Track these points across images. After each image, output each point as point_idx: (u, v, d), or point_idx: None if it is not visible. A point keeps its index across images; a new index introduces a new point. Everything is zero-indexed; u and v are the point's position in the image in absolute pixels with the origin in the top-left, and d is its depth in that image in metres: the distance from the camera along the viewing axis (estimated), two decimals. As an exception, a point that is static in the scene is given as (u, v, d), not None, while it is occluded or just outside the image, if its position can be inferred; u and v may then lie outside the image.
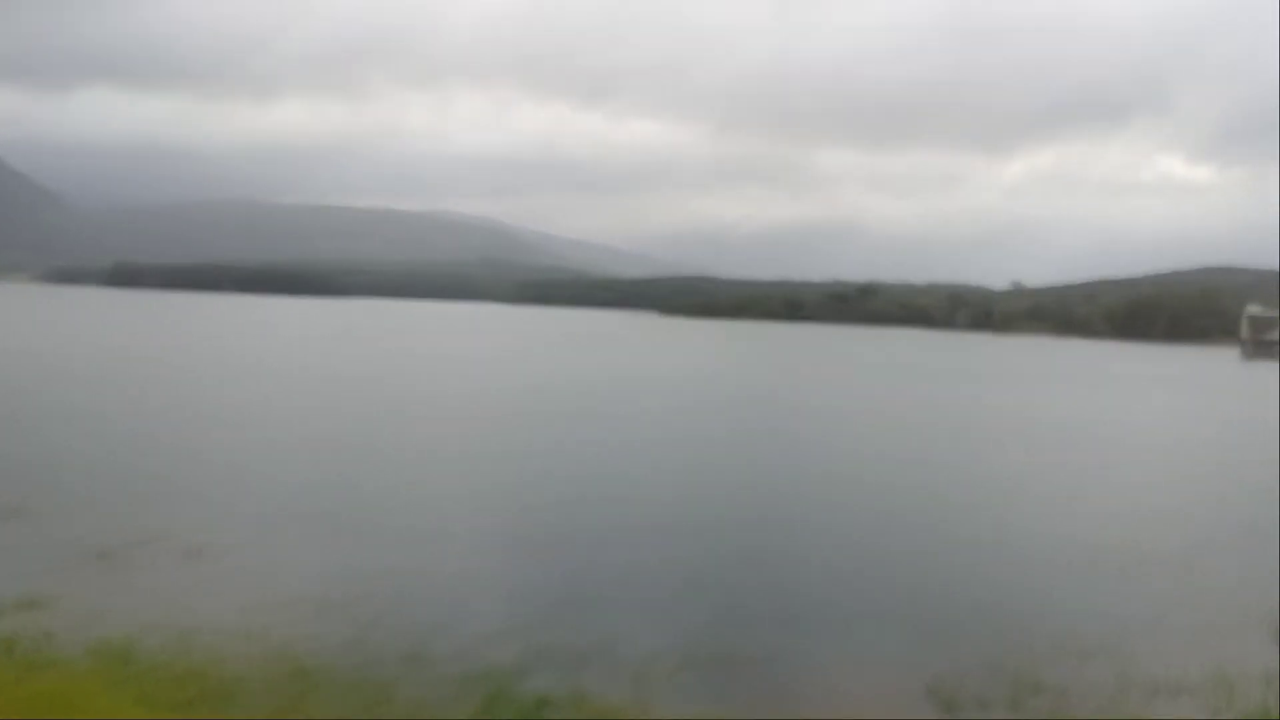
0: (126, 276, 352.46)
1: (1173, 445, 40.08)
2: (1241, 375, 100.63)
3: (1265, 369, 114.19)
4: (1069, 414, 49.99)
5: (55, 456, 25.48)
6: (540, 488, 24.47)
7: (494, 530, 20.00)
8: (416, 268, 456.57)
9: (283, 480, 24.21)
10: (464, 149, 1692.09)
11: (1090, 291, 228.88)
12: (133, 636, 12.28)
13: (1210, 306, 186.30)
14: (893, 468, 30.32)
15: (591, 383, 58.31)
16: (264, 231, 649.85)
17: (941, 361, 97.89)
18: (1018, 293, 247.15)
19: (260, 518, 19.77)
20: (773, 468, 29.77)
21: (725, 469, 29.05)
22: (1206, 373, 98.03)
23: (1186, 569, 18.58)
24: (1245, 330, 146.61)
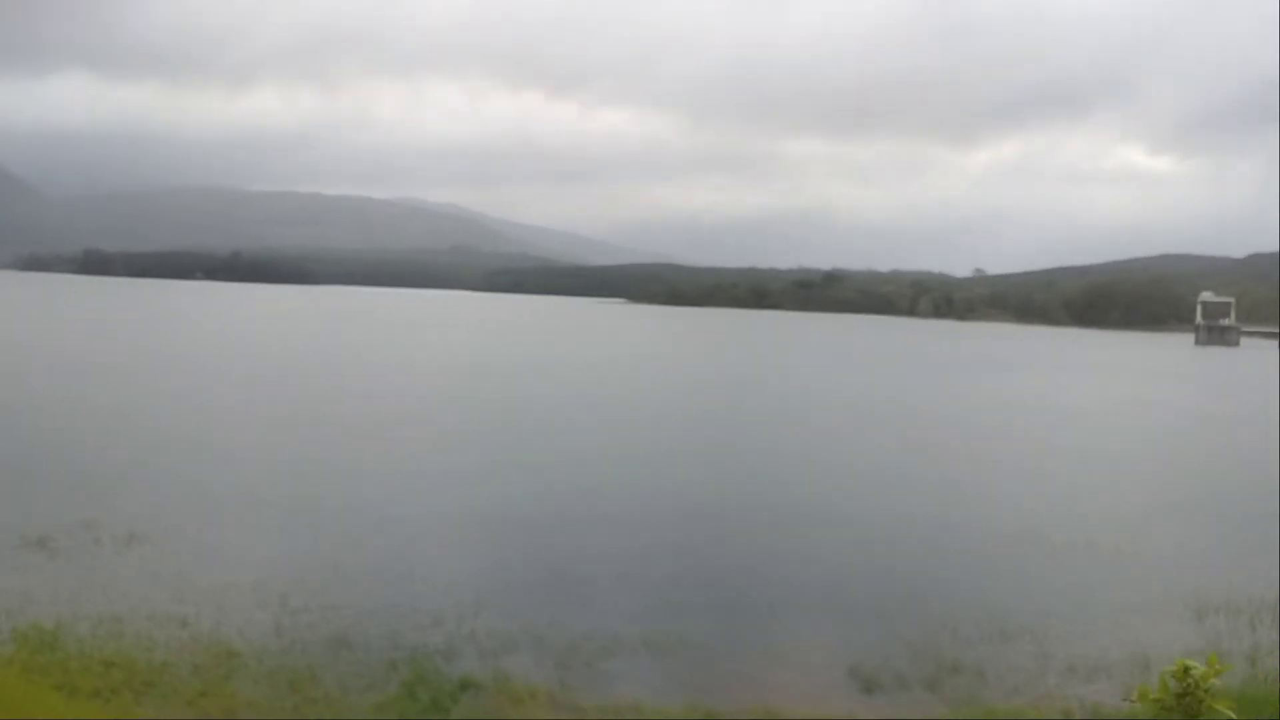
0: (97, 264, 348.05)
1: (1123, 431, 40.69)
2: (1195, 361, 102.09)
3: (1218, 354, 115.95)
4: (1017, 400, 50.60)
5: (5, 444, 25.39)
6: (507, 476, 24.68)
7: (463, 515, 20.14)
8: (386, 255, 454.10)
9: (234, 467, 24.24)
10: (436, 138, 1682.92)
11: (1050, 279, 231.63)
12: (62, 623, 12.41)
13: (1165, 293, 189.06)
14: (850, 450, 30.74)
15: (559, 369, 58.39)
16: (234, 219, 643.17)
17: (897, 347, 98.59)
18: (979, 280, 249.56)
19: (206, 504, 19.85)
20: (736, 452, 30.05)
21: (687, 456, 29.29)
22: (1160, 359, 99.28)
23: (1116, 552, 19.06)
24: (1199, 316, 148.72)
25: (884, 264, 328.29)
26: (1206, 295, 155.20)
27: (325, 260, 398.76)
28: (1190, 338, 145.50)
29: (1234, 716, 2.86)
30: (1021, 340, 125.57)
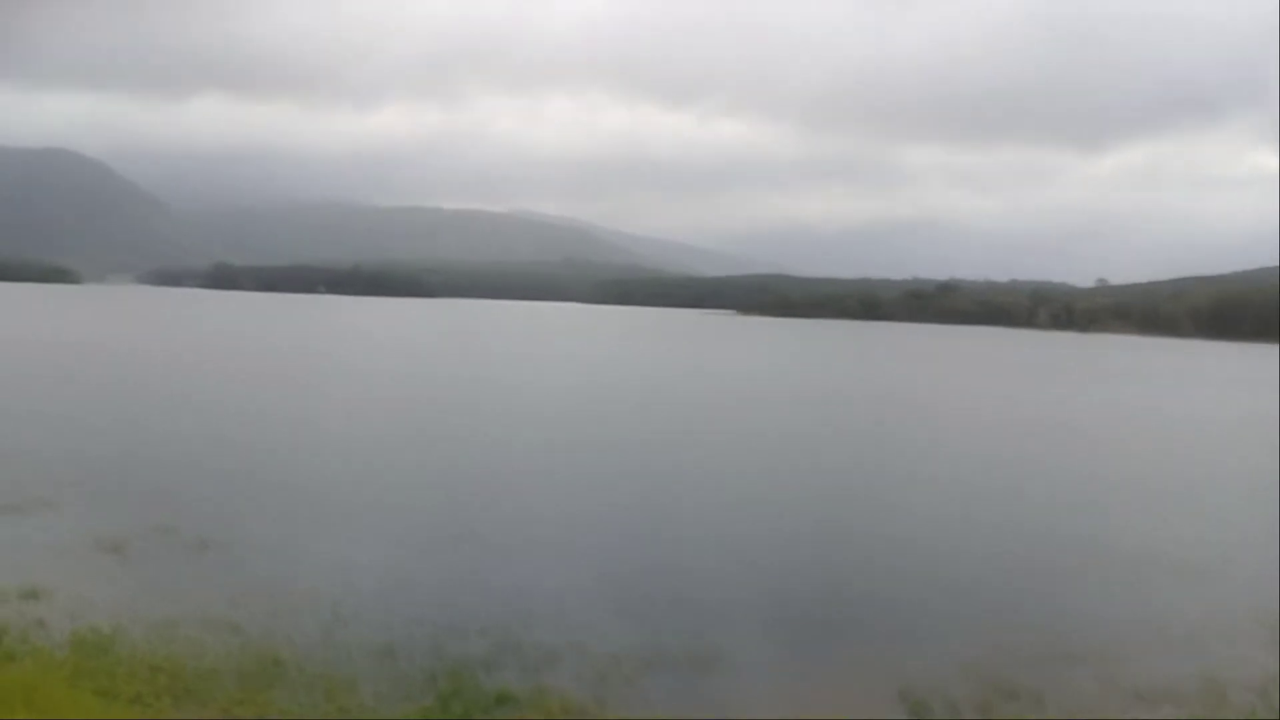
0: (224, 278, 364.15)
1: (1243, 448, 38.67)
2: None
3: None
4: (1134, 415, 48.61)
5: (109, 449, 26.49)
6: (589, 489, 24.77)
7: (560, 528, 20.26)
8: (500, 268, 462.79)
9: (324, 475, 24.89)
10: (551, 151, 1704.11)
11: (1178, 289, 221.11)
12: (120, 627, 12.75)
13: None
14: (949, 464, 29.96)
15: (659, 382, 58.48)
16: (355, 233, 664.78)
17: (1007, 359, 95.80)
18: (1102, 290, 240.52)
19: (285, 511, 20.36)
20: (840, 468, 29.62)
21: (790, 472, 28.96)
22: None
23: (1204, 572, 18.05)
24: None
25: (1002, 274, 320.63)
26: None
27: (441, 273, 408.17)
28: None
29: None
30: (1145, 353, 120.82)
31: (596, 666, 12.47)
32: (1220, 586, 17.36)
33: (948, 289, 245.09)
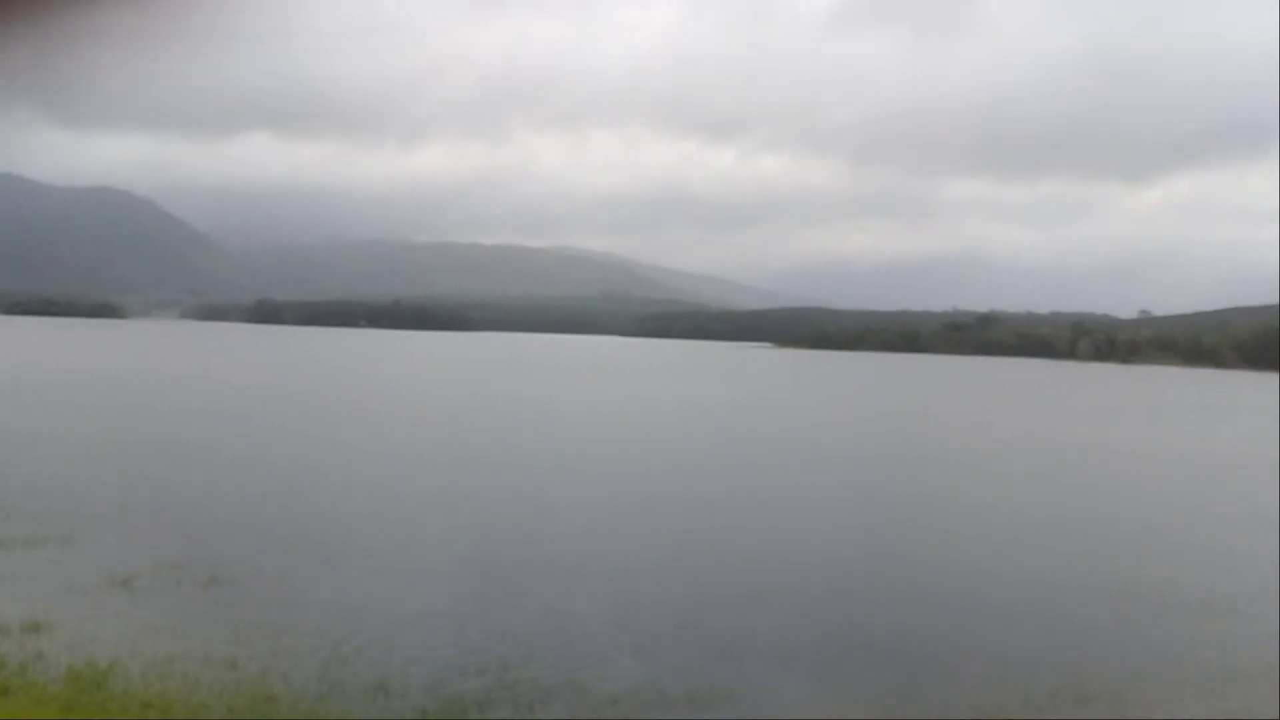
0: (267, 313, 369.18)
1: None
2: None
3: None
4: (1172, 449, 47.67)
5: (136, 483, 26.72)
6: (612, 521, 24.64)
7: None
8: (540, 302, 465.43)
9: (346, 509, 24.94)
10: (592, 187, 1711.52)
11: (1222, 320, 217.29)
12: (117, 662, 12.75)
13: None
14: (981, 500, 29.53)
15: (694, 411, 58.30)
16: (396, 269, 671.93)
17: (1043, 390, 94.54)
18: (1145, 321, 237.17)
19: (301, 547, 20.42)
20: (870, 501, 29.30)
21: (820, 505, 28.68)
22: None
23: (1232, 612, 17.55)
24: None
25: (1044, 306, 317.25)
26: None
27: (481, 307, 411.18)
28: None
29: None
30: (1187, 384, 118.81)
31: (592, 705, 12.31)
32: (1248, 627, 16.85)
33: (987, 321, 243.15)
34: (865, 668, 14.38)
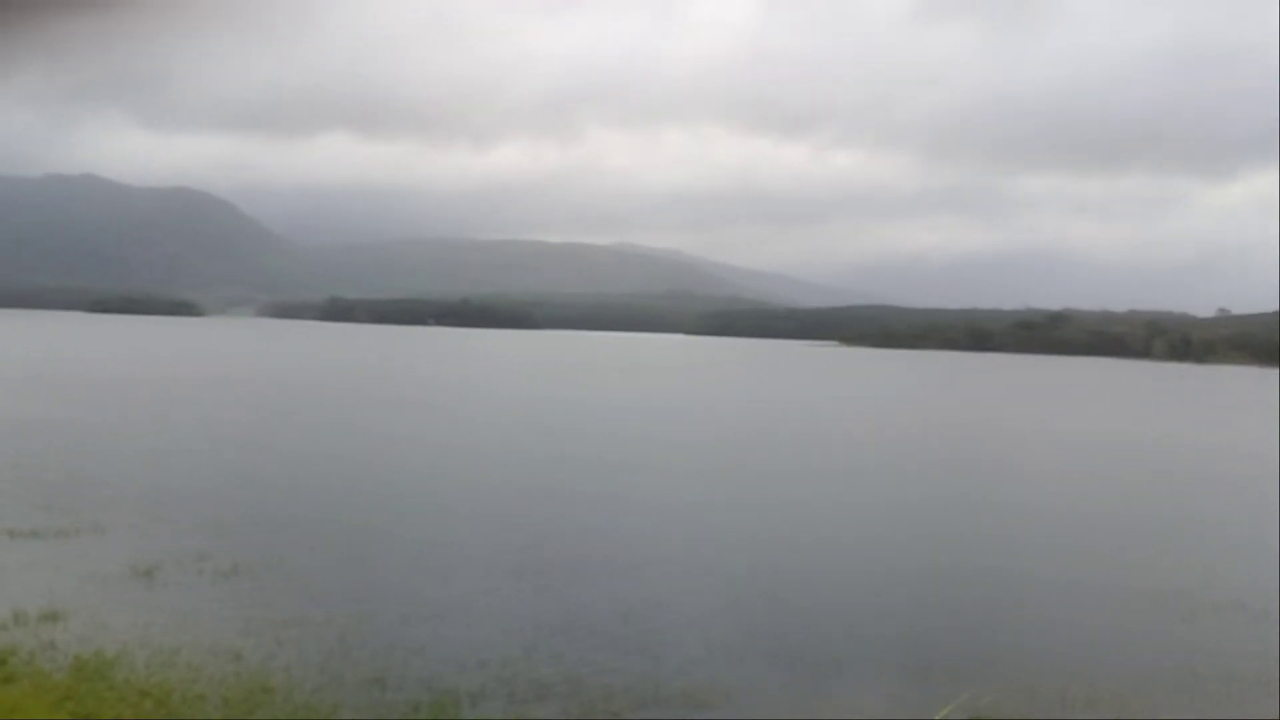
0: (338, 311, 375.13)
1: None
2: None
3: None
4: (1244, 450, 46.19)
5: (179, 474, 27.26)
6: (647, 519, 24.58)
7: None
8: (603, 300, 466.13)
9: (393, 506, 25.10)
10: (661, 185, 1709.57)
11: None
12: (125, 652, 12.97)
13: None
14: (1032, 503, 28.95)
15: (751, 410, 57.94)
16: (464, 266, 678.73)
17: (1109, 390, 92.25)
18: (1223, 320, 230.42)
19: (328, 538, 20.63)
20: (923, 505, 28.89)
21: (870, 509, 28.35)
22: None
23: (1264, 616, 16.91)
24: None
25: (1120, 304, 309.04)
26: None
27: (546, 305, 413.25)
28: None
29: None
30: (1263, 384, 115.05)
31: (585, 701, 12.24)
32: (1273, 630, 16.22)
33: (1059, 319, 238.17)
34: (869, 671, 14.11)
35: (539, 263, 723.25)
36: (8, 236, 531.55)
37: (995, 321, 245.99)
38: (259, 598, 15.99)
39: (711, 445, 41.38)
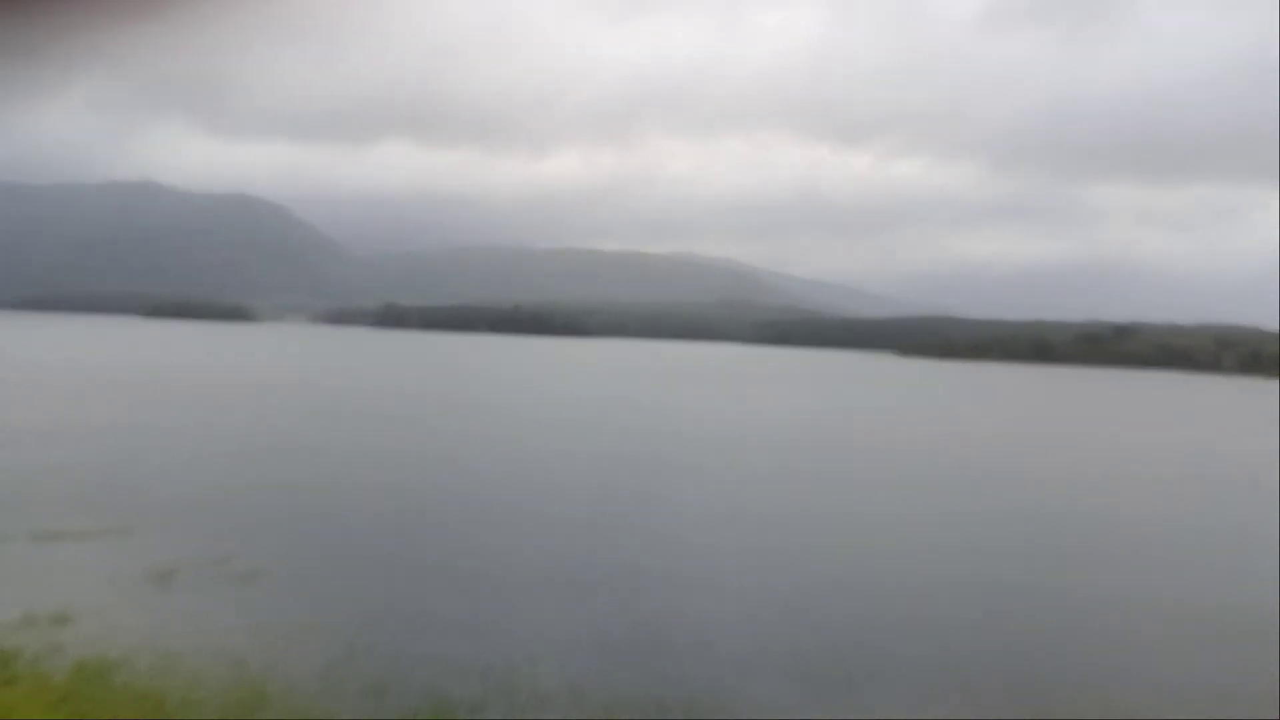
0: (392, 318, 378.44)
1: None
2: None
3: None
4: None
5: (216, 478, 27.23)
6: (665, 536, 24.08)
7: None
8: (658, 309, 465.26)
9: (424, 516, 24.83)
10: (718, 193, 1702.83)
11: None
12: (128, 655, 12.77)
13: None
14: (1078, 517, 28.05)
15: (790, 426, 57.21)
16: (517, 274, 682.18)
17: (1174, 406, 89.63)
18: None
19: (350, 544, 20.40)
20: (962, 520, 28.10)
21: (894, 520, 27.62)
22: None
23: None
24: None
25: (1189, 316, 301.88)
26: None
27: (599, 313, 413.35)
28: None
29: None
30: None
31: (584, 710, 11.81)
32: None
33: (1125, 332, 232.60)
34: (886, 689, 13.53)
35: (594, 271, 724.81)
36: (68, 242, 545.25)
37: (1059, 333, 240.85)
38: (273, 603, 15.81)
39: (757, 456, 40.68)
